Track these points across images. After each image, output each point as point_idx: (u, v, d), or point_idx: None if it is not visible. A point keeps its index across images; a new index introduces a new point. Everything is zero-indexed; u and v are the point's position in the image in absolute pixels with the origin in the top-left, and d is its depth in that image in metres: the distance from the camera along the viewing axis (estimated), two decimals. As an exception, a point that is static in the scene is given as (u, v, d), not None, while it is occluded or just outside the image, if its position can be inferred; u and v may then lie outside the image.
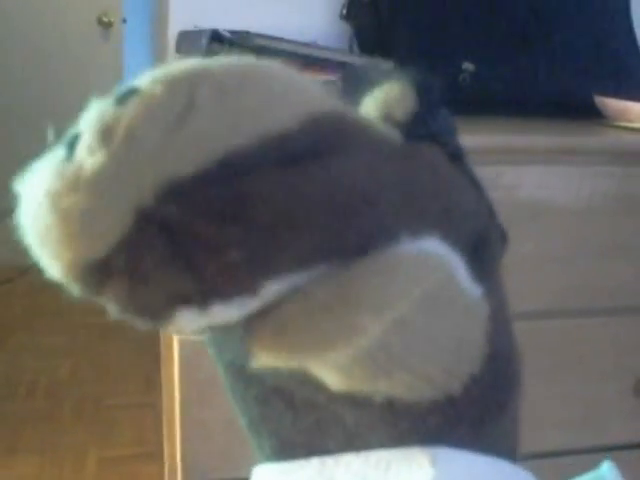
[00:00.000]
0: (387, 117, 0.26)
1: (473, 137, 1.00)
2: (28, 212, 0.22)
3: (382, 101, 0.27)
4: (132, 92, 0.21)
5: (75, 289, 0.22)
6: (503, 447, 0.29)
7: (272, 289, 0.22)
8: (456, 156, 0.28)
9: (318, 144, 0.22)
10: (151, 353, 2.30)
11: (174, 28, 1.25)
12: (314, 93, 0.23)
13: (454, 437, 0.27)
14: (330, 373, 0.25)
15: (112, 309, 0.22)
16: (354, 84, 0.28)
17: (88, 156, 0.21)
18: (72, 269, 0.21)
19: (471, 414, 0.27)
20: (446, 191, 0.26)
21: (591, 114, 1.14)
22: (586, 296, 1.08)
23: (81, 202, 0.20)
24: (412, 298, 0.24)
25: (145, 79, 0.22)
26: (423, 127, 0.27)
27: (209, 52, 0.95)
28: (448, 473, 0.26)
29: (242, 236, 0.21)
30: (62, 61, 3.53)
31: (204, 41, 0.96)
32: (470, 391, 0.26)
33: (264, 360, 0.23)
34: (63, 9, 3.48)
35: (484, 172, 1.08)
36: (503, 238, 0.30)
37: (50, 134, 0.23)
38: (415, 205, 0.24)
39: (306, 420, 0.28)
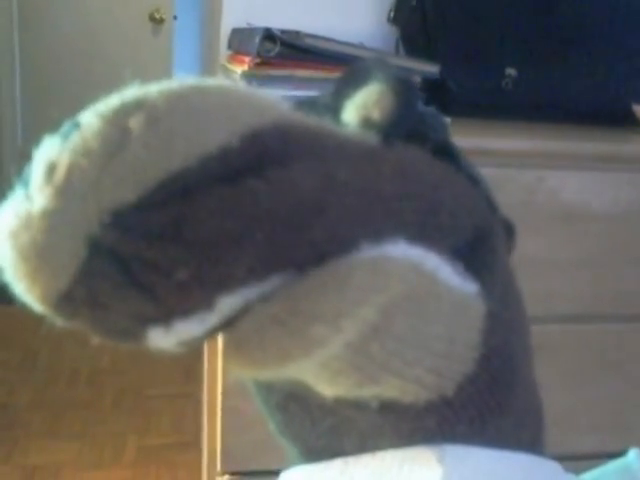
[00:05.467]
0: (365, 120, 0.26)
1: (515, 141, 1.00)
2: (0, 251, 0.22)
3: (361, 105, 0.26)
4: (74, 127, 0.22)
5: (55, 319, 0.23)
6: (523, 441, 0.29)
7: (228, 303, 0.22)
8: (446, 153, 0.27)
9: (261, 157, 0.22)
10: (191, 345, 2.32)
11: (226, 25, 1.27)
12: (256, 107, 0.23)
13: (455, 436, 0.27)
14: (318, 382, 0.25)
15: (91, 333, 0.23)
16: (354, 81, 0.28)
17: (37, 194, 0.21)
18: (45, 302, 0.22)
19: (469, 413, 0.27)
20: (422, 191, 0.25)
21: (630, 122, 1.14)
22: (620, 301, 1.08)
23: (35, 239, 0.21)
24: (375, 304, 0.23)
25: (86, 114, 0.22)
26: (399, 127, 0.26)
27: (261, 50, 0.97)
28: (457, 470, 0.26)
29: (186, 255, 0.21)
30: (113, 57, 3.56)
31: (257, 39, 0.97)
32: (465, 391, 0.26)
33: (236, 372, 0.24)
34: (116, 6, 3.52)
35: (525, 176, 1.08)
36: (509, 232, 0.30)
37: (14, 176, 0.24)
38: (375, 209, 0.24)
39: (323, 424, 0.28)
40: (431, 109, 0.28)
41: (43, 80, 3.59)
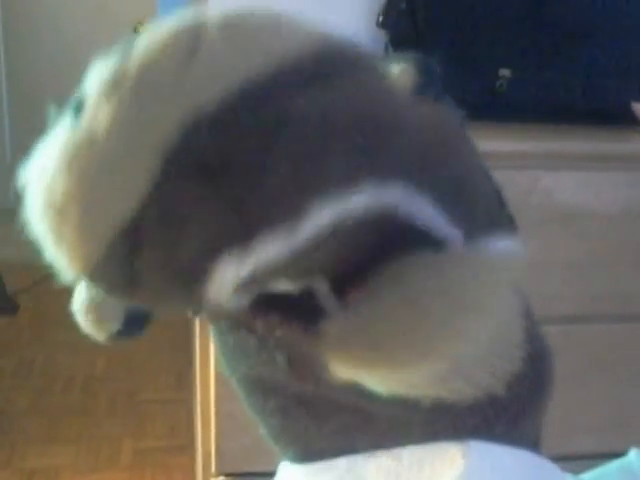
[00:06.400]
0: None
1: (510, 143, 1.00)
2: (39, 191, 0.20)
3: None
4: (131, 47, 0.20)
5: (98, 282, 0.20)
6: (529, 438, 0.29)
7: (318, 214, 0.20)
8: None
9: (332, 70, 0.21)
10: (183, 351, 2.32)
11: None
12: (316, 29, 0.23)
13: (490, 435, 0.27)
14: (387, 383, 0.24)
15: (139, 301, 0.21)
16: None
17: (98, 110, 0.19)
18: (99, 244, 0.19)
19: (509, 412, 0.27)
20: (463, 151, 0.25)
21: (627, 121, 1.14)
22: (619, 301, 1.08)
23: (100, 157, 0.19)
24: (502, 303, 0.23)
25: (143, 32, 0.21)
26: (433, 89, 0.26)
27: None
28: (478, 465, 0.26)
29: (283, 158, 0.20)
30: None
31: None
32: (511, 390, 0.26)
33: (343, 374, 0.22)
34: (100, 18, 3.48)
35: (521, 177, 1.08)
36: (512, 225, 0.30)
37: (52, 111, 0.22)
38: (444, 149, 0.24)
39: (331, 424, 0.27)
40: (447, 97, 0.28)
41: (30, 95, 3.57)
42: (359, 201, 0.20)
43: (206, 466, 1.06)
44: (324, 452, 0.28)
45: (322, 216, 0.20)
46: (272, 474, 0.31)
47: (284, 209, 0.20)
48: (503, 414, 0.26)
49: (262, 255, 0.20)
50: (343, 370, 0.22)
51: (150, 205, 0.19)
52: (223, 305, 0.21)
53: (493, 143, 0.99)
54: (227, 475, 1.04)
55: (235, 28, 0.20)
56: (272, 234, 0.20)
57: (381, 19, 1.26)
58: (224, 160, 0.19)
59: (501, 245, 0.24)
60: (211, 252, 0.20)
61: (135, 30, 3.48)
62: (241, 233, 0.19)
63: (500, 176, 1.07)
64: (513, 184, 0.99)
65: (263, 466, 1.02)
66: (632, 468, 0.48)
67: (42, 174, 0.20)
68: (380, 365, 0.21)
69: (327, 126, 0.20)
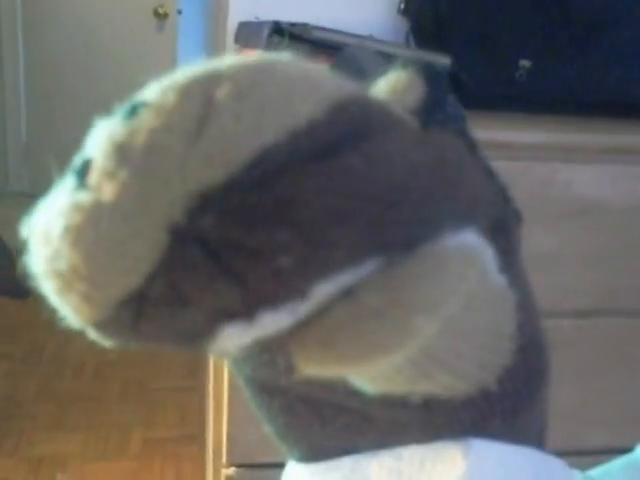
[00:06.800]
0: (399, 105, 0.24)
1: (528, 134, 1.00)
2: (43, 256, 0.20)
3: (390, 90, 0.25)
4: (139, 106, 0.20)
5: (104, 333, 0.20)
6: (531, 435, 0.29)
7: (322, 291, 0.20)
8: (471, 143, 0.26)
9: (349, 131, 0.20)
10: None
11: (233, 19, 1.26)
12: (331, 80, 0.22)
13: (487, 430, 0.26)
14: (368, 380, 0.24)
15: (144, 343, 0.21)
16: (344, 71, 0.25)
17: (106, 180, 0.19)
18: (103, 310, 0.19)
19: (504, 406, 0.26)
20: (470, 180, 0.25)
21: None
22: (635, 295, 1.07)
23: (108, 231, 0.19)
24: (460, 295, 0.23)
25: (151, 91, 0.20)
26: (440, 112, 0.25)
27: (269, 44, 0.96)
28: (480, 465, 0.26)
29: (291, 239, 0.19)
30: (117, 53, 3.57)
31: (265, 32, 0.96)
32: (503, 383, 0.26)
33: (307, 372, 0.22)
34: (119, 1, 3.53)
35: (539, 168, 1.08)
36: (518, 221, 0.29)
37: (53, 168, 0.22)
38: (450, 194, 0.23)
39: (335, 424, 0.27)
40: (451, 97, 0.27)
41: (47, 76, 3.60)
42: (361, 272, 0.21)
43: (217, 456, 1.06)
44: (329, 452, 0.28)
45: (325, 292, 0.20)
46: (283, 465, 0.31)
47: (288, 291, 0.20)
48: (499, 407, 0.26)
49: (266, 327, 0.20)
50: (306, 368, 0.22)
51: (155, 280, 0.19)
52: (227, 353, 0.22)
53: (511, 134, 0.99)
54: (238, 466, 1.03)
55: (247, 98, 0.20)
56: (275, 313, 0.20)
57: (403, 7, 1.25)
58: (230, 239, 0.19)
59: (464, 240, 0.23)
60: (214, 323, 0.20)
61: (154, 13, 3.50)
62: (244, 310, 0.20)
63: (518, 167, 1.07)
64: (531, 176, 0.98)
65: (275, 457, 1.02)
66: (638, 464, 0.48)
67: (46, 239, 0.20)
68: (332, 363, 0.21)
69: (336, 204, 0.20)
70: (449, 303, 0.22)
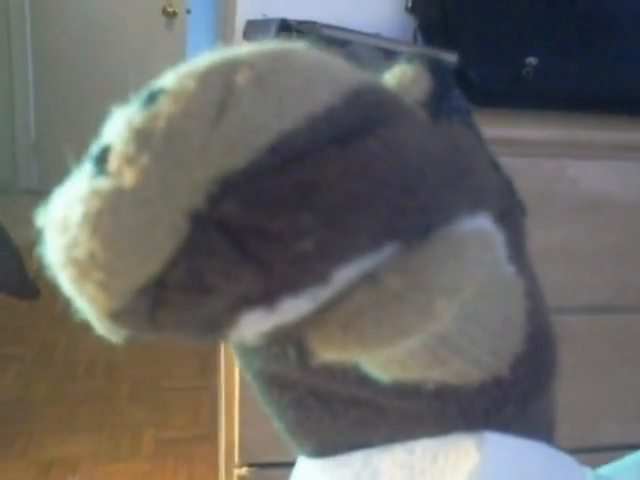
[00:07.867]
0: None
1: (535, 130, 1.00)
2: (60, 245, 0.19)
3: (397, 83, 0.25)
4: (158, 93, 0.20)
5: (119, 324, 0.20)
6: (541, 428, 0.29)
7: (343, 276, 0.20)
8: (478, 135, 0.27)
9: (365, 117, 0.21)
10: (206, 339, 2.34)
11: (241, 17, 1.26)
12: (345, 68, 0.22)
13: (500, 419, 0.26)
14: (382, 367, 0.24)
15: (161, 334, 0.21)
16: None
17: (127, 165, 0.19)
18: (120, 299, 0.19)
19: (516, 394, 0.26)
20: (481, 168, 0.25)
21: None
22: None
23: (127, 218, 0.19)
24: (477, 280, 0.23)
25: (169, 78, 0.20)
26: (446, 104, 0.25)
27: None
28: (494, 456, 0.26)
29: (313, 223, 0.19)
30: (126, 52, 3.58)
31: (273, 30, 0.96)
32: (515, 371, 0.26)
33: (326, 357, 0.22)
34: (128, 0, 3.54)
35: (547, 165, 1.08)
36: (523, 214, 0.29)
37: (63, 165, 0.21)
38: (464, 180, 0.23)
39: (346, 419, 0.27)
40: (456, 91, 0.27)
41: (56, 75, 3.61)
42: (381, 256, 0.21)
43: (229, 456, 1.06)
44: (340, 447, 0.28)
45: (346, 277, 0.20)
46: (295, 464, 0.31)
47: (310, 276, 0.20)
48: (511, 395, 0.26)
49: (286, 313, 0.20)
50: (325, 353, 0.22)
51: (175, 267, 0.19)
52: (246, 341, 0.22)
53: (519, 130, 0.99)
54: (251, 466, 1.03)
55: (266, 84, 0.20)
56: (296, 298, 0.20)
57: (410, 4, 1.25)
58: (251, 225, 0.19)
59: (479, 224, 0.23)
60: (235, 311, 0.20)
61: (163, 12, 3.51)
62: (264, 297, 0.20)
63: (525, 163, 1.07)
64: (539, 172, 0.98)
65: (288, 456, 1.02)
66: None
67: (63, 227, 0.19)
68: (353, 347, 0.21)
69: (357, 188, 0.20)
70: (467, 288, 0.22)
